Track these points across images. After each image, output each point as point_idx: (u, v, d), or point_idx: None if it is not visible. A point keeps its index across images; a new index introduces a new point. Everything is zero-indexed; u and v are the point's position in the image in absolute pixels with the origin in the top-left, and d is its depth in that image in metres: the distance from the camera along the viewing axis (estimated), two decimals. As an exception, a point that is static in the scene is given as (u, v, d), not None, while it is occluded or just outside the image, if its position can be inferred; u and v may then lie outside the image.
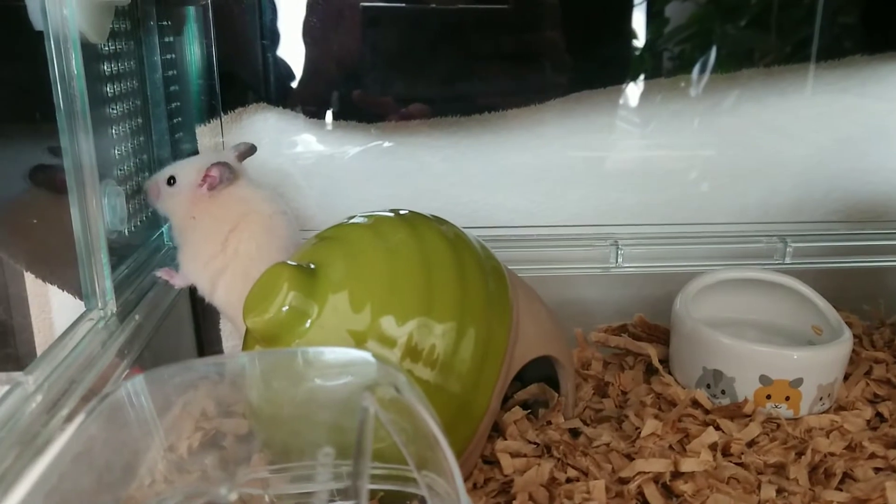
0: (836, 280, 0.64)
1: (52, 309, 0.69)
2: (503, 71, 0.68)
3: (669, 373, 0.56)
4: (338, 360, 0.35)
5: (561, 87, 0.66)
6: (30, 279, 0.65)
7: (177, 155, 0.62)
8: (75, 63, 0.40)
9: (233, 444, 0.43)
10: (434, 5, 0.65)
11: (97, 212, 0.43)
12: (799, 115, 0.70)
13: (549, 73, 0.67)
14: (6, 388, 0.35)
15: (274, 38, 0.64)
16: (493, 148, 0.68)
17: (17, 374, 0.36)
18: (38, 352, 0.68)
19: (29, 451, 0.34)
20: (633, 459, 0.45)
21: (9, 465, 0.32)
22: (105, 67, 0.50)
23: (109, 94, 0.51)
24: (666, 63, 0.68)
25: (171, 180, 0.53)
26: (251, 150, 0.57)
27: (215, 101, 0.61)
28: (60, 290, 0.67)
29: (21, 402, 0.35)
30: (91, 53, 0.47)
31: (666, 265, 0.63)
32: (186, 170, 0.53)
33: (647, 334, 0.61)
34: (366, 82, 0.67)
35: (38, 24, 0.41)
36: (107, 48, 0.50)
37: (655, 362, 0.56)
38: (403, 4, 0.65)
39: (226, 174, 0.51)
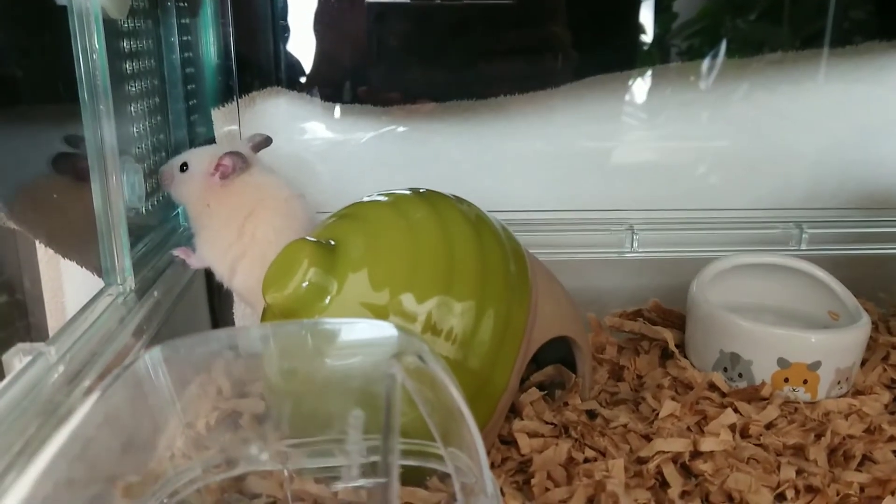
0: (851, 267, 0.64)
1: (63, 291, 0.69)
2: (516, 56, 0.67)
3: (685, 357, 0.56)
4: (360, 330, 0.35)
5: (573, 72, 0.66)
6: (42, 261, 0.65)
7: (192, 136, 0.62)
8: (97, 38, 0.40)
9: (250, 420, 0.43)
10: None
11: (118, 188, 0.43)
12: (813, 103, 0.69)
13: (561, 59, 0.67)
14: (28, 358, 0.35)
15: (288, 21, 0.64)
16: (506, 134, 0.68)
17: (39, 345, 0.36)
18: (51, 332, 0.69)
19: (51, 420, 0.34)
20: (651, 440, 0.44)
21: (32, 434, 0.32)
22: (124, 44, 0.50)
23: (128, 72, 0.51)
24: (678, 52, 0.68)
25: (184, 167, 0.52)
26: (266, 141, 0.56)
27: (232, 84, 0.61)
28: (72, 273, 0.67)
29: (43, 372, 0.35)
30: (111, 30, 0.47)
31: (681, 250, 0.63)
32: (199, 157, 0.53)
33: (663, 319, 0.61)
34: (380, 67, 0.66)
35: (59, -2, 0.41)
36: (126, 25, 0.50)
37: (672, 346, 0.55)
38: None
39: (238, 163, 0.51)
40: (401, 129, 0.68)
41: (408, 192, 0.47)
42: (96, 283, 0.65)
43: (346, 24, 0.66)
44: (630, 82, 0.68)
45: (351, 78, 0.66)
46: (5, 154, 0.43)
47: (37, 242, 0.64)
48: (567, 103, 0.67)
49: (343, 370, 0.35)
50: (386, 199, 0.46)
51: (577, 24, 0.66)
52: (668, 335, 0.56)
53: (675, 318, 0.61)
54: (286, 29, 0.64)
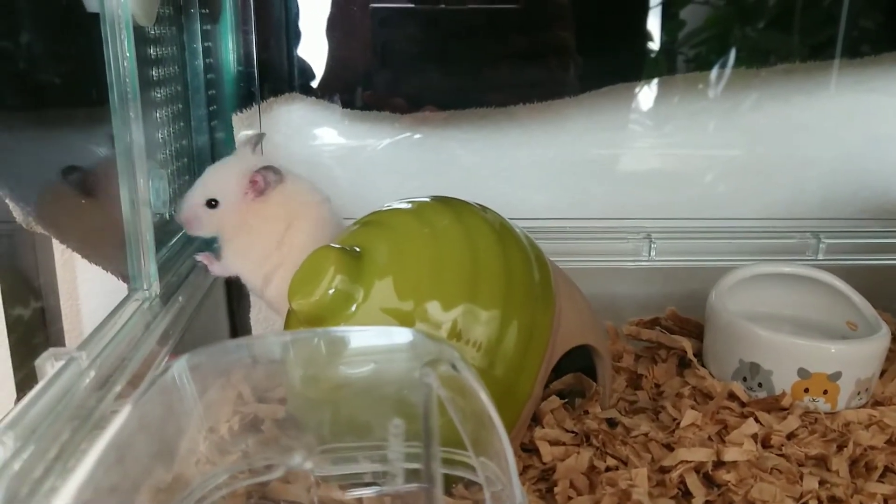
0: (867, 278, 0.64)
1: (79, 296, 0.69)
2: (529, 65, 0.68)
3: (703, 366, 0.56)
4: (390, 337, 0.35)
5: (587, 81, 0.66)
6: (59, 265, 0.65)
7: (213, 142, 0.62)
8: (127, 44, 0.41)
9: (276, 426, 0.44)
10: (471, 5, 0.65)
11: (145, 193, 0.43)
12: (824, 113, 0.69)
13: (574, 69, 0.67)
14: (61, 363, 0.35)
15: (305, 28, 0.64)
16: (521, 142, 0.68)
17: (70, 350, 0.36)
18: (67, 337, 0.69)
19: (85, 426, 0.34)
20: (673, 449, 0.45)
21: (66, 439, 0.33)
22: (151, 51, 0.50)
23: (154, 78, 0.51)
24: (690, 60, 0.68)
25: (213, 203, 0.50)
26: (260, 137, 0.55)
27: (253, 90, 0.61)
28: (87, 277, 0.68)
29: (76, 377, 0.35)
30: (139, 36, 0.47)
31: (698, 259, 0.63)
32: (224, 185, 0.50)
33: (680, 328, 0.61)
34: (396, 75, 0.67)
35: (90, 5, 0.42)
36: (153, 32, 0.50)
37: (690, 355, 0.56)
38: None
39: (271, 177, 0.50)
40: (416, 136, 0.68)
41: (431, 200, 0.47)
42: (112, 288, 0.66)
43: (360, 31, 0.66)
44: (642, 91, 0.68)
45: (367, 84, 0.67)
46: (33, 158, 0.43)
47: (54, 247, 0.64)
48: (580, 112, 0.68)
49: (376, 378, 0.35)
50: (409, 206, 0.46)
51: (591, 35, 0.66)
52: (687, 344, 0.57)
53: (693, 327, 0.61)
54: (304, 36, 0.65)
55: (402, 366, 0.34)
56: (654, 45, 0.67)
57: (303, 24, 0.64)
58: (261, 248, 0.51)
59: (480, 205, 0.48)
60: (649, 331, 0.60)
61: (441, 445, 0.38)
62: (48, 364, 0.35)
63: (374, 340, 0.37)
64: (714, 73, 0.68)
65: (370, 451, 0.37)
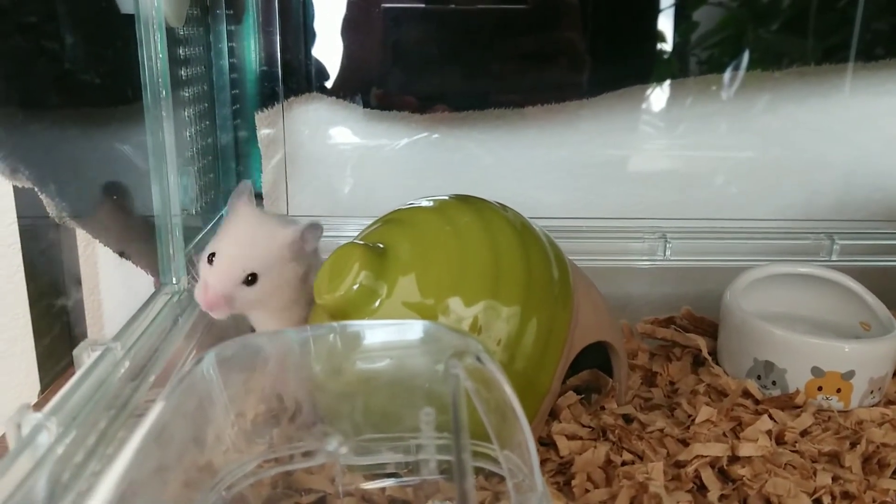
0: (881, 279, 0.65)
1: (100, 291, 0.71)
2: (546, 67, 0.69)
3: (717, 364, 0.57)
4: (412, 330, 0.36)
5: (604, 83, 0.67)
6: (82, 259, 0.67)
7: (237, 141, 0.63)
8: (160, 45, 0.42)
9: (297, 417, 0.45)
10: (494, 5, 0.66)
11: (175, 190, 0.44)
12: (840, 115, 0.70)
13: (591, 71, 0.68)
14: (97, 353, 0.37)
15: (321, 29, 0.65)
16: (537, 142, 0.69)
17: (107, 341, 0.37)
18: (89, 331, 0.71)
19: (122, 415, 0.35)
20: (688, 445, 0.45)
21: (104, 427, 0.34)
22: (180, 51, 0.51)
23: (182, 78, 0.52)
24: (703, 62, 0.69)
25: (252, 279, 0.45)
26: (250, 188, 0.49)
27: (277, 89, 0.62)
28: (109, 272, 0.69)
29: (111, 367, 0.37)
30: (169, 37, 0.48)
31: (713, 259, 0.64)
32: (266, 256, 0.46)
33: (694, 327, 0.62)
34: (415, 75, 0.68)
35: (125, 7, 0.43)
36: (182, 32, 0.51)
37: (705, 353, 0.56)
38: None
39: (317, 234, 0.47)
40: (434, 135, 0.69)
41: (453, 198, 0.48)
42: (134, 282, 0.67)
43: (375, 32, 0.67)
44: (655, 93, 0.69)
45: (383, 85, 0.68)
46: (69, 155, 0.44)
47: (77, 242, 0.66)
48: (595, 114, 0.68)
49: (400, 370, 0.36)
50: (432, 204, 0.47)
51: (606, 37, 0.67)
52: (701, 342, 0.57)
53: (707, 326, 0.62)
54: (323, 36, 0.66)
55: (427, 358, 0.35)
56: (668, 46, 0.68)
57: (319, 25, 0.66)
58: (298, 301, 0.48)
59: (501, 203, 0.49)
60: (664, 329, 0.61)
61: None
62: (85, 354, 0.36)
63: (397, 333, 0.38)
64: (727, 74, 0.69)
65: (395, 443, 0.38)
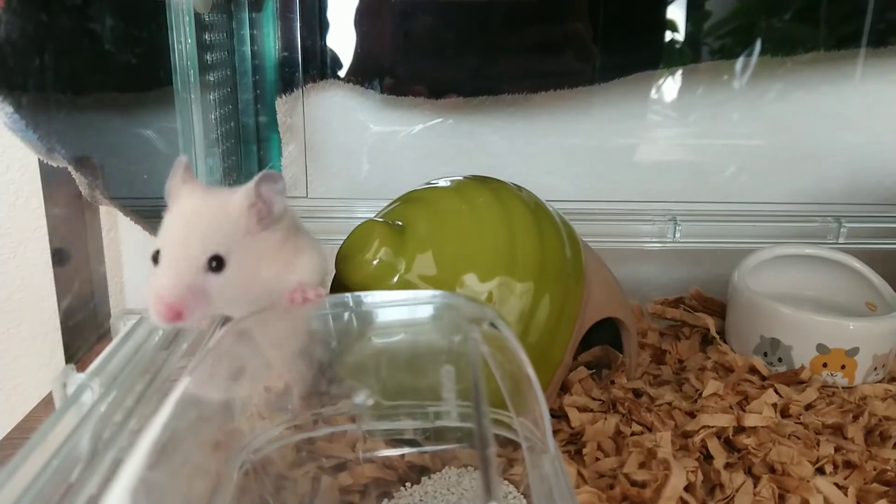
0: (888, 262, 0.66)
1: (123, 272, 0.73)
2: (558, 54, 0.70)
3: (725, 342, 0.58)
4: (434, 298, 0.38)
5: (616, 70, 0.68)
6: (106, 240, 0.69)
7: (258, 125, 0.65)
8: (189, 30, 0.44)
9: (326, 384, 0.47)
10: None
11: (202, 170, 0.46)
12: (851, 102, 0.71)
13: (602, 58, 0.69)
14: (132, 321, 0.39)
15: (335, 16, 0.67)
16: (549, 128, 0.70)
17: (142, 310, 0.39)
18: (112, 310, 0.73)
19: (157, 380, 0.37)
20: (695, 417, 0.47)
21: (141, 390, 0.36)
22: (206, 37, 0.53)
23: (208, 63, 0.54)
24: (716, 51, 0.70)
25: (217, 262, 0.34)
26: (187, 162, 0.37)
27: (296, 75, 0.64)
28: (131, 250, 0.71)
29: (146, 335, 0.39)
30: (196, 23, 0.50)
31: (722, 241, 0.65)
32: (225, 230, 0.35)
33: (703, 307, 0.63)
34: (432, 61, 0.69)
35: (155, -7, 0.45)
36: (207, 19, 0.53)
37: (713, 332, 0.58)
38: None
39: (277, 189, 0.36)
40: (449, 121, 0.71)
41: (470, 179, 0.50)
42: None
43: (387, 20, 0.68)
44: (667, 80, 0.70)
45: (396, 72, 0.69)
46: (103, 136, 0.46)
47: (101, 223, 0.68)
48: (607, 100, 0.70)
49: (418, 338, 0.38)
50: (449, 184, 0.49)
51: (618, 24, 0.68)
52: (710, 321, 0.59)
53: (716, 307, 0.63)
54: (334, 23, 0.67)
55: (444, 325, 0.37)
56: (680, 34, 0.69)
57: (333, 12, 0.67)
58: (281, 280, 0.38)
59: (516, 184, 0.51)
60: (674, 310, 0.63)
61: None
62: (121, 322, 0.38)
63: (414, 303, 0.39)
64: (739, 62, 0.70)
65: (415, 410, 0.39)
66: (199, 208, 0.35)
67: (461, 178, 0.50)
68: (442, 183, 0.50)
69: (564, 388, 0.51)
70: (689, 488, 0.41)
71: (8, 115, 0.40)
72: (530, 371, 0.35)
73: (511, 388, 0.36)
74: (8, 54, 0.41)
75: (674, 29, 0.69)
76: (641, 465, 0.42)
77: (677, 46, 0.69)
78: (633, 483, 0.41)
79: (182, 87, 0.44)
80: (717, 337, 0.58)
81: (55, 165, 0.45)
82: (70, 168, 0.45)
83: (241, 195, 0.35)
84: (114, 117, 0.49)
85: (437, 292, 0.39)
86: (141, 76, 0.49)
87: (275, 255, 0.37)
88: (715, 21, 0.69)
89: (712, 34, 0.69)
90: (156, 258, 0.34)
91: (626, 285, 0.70)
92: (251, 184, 0.35)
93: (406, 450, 0.43)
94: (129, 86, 0.50)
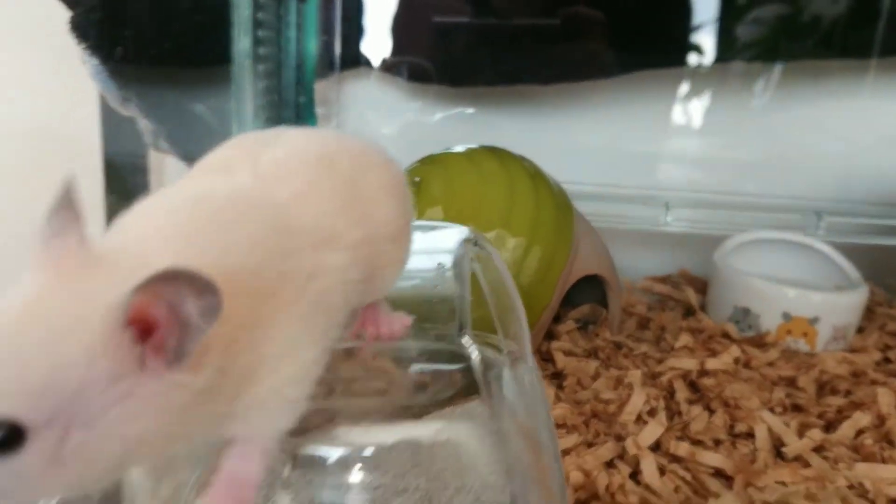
0: (864, 257, 0.71)
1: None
2: (579, 46, 0.77)
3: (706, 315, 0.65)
4: (437, 224, 0.45)
5: (632, 64, 0.75)
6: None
7: (298, 107, 0.73)
8: (248, 11, 0.52)
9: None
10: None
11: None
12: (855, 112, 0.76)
13: (620, 52, 0.76)
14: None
15: (378, 5, 0.75)
16: (566, 121, 0.77)
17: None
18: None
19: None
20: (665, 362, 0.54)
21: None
22: (258, 15, 0.61)
23: (259, 45, 0.62)
24: (737, 49, 0.76)
25: (9, 438, 0.18)
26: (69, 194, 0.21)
27: (335, 61, 0.72)
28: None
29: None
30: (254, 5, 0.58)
31: (709, 227, 0.71)
32: (30, 391, 0.18)
33: (688, 284, 0.70)
34: (458, 47, 0.77)
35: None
36: (259, 1, 0.62)
37: (694, 303, 0.64)
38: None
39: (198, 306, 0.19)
40: (470, 110, 0.79)
41: (481, 147, 0.58)
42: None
43: (420, 12, 0.76)
44: (682, 78, 0.77)
45: (428, 60, 0.77)
46: (169, 95, 0.54)
47: (149, 178, 0.76)
48: (622, 93, 0.77)
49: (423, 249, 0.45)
50: (463, 150, 0.57)
51: (637, 21, 0.75)
52: (692, 295, 0.65)
53: (700, 285, 0.70)
54: (368, 12, 0.75)
55: (446, 241, 0.44)
56: (706, 32, 0.76)
57: (371, 2, 0.75)
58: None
59: (521, 156, 0.58)
60: (661, 285, 0.69)
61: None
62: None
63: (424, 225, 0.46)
64: (757, 66, 0.76)
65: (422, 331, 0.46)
66: (36, 307, 0.19)
67: (475, 146, 0.58)
68: (457, 149, 0.57)
69: (553, 337, 0.58)
70: (651, 412, 0.47)
71: (95, 67, 0.49)
72: (513, 291, 0.42)
73: (497, 307, 0.43)
74: (99, 22, 0.49)
75: (701, 26, 0.75)
76: (611, 389, 0.49)
77: (698, 42, 0.75)
78: (601, 401, 0.47)
79: (238, 65, 0.52)
80: (698, 308, 0.64)
81: (125, 114, 0.54)
82: (139, 116, 0.54)
83: (121, 298, 0.18)
84: (173, 87, 0.57)
85: (433, 223, 0.46)
86: (201, 53, 0.57)
87: (173, 425, 0.20)
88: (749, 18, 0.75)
89: (742, 31, 0.75)
90: None
91: (620, 264, 0.77)
92: (147, 277, 0.18)
93: (414, 367, 0.50)
94: (191, 61, 0.58)
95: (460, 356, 0.35)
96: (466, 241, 0.41)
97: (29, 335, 0.18)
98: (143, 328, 0.19)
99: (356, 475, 0.35)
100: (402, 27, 0.76)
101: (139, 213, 0.23)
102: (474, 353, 0.34)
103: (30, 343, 0.18)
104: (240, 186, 0.25)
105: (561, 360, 0.55)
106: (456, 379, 0.34)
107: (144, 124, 0.53)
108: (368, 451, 0.36)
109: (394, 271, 0.31)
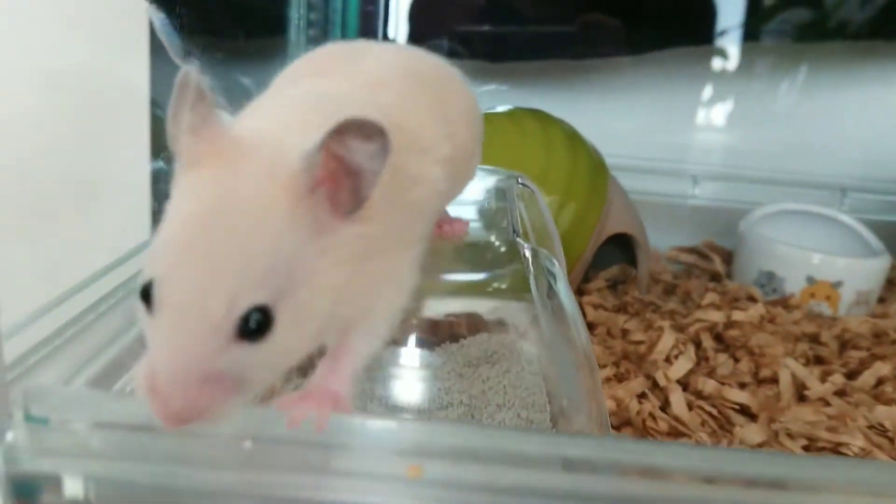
0: (888, 233, 0.73)
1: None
2: (612, 22, 0.79)
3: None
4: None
5: (665, 42, 0.78)
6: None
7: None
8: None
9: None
10: None
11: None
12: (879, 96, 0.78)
13: (651, 31, 0.79)
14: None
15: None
16: (598, 97, 0.80)
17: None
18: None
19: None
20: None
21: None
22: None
23: (310, 16, 0.65)
24: (766, 31, 0.79)
25: (255, 323, 0.20)
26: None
27: (377, 30, 0.75)
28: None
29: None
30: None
31: (735, 202, 0.74)
32: (264, 252, 0.20)
33: (714, 253, 0.72)
34: (488, 21, 0.80)
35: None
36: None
37: (720, 270, 0.66)
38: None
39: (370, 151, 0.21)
40: (504, 87, 0.81)
41: (523, 109, 0.60)
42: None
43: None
44: (721, 54, 0.79)
45: (459, 34, 0.79)
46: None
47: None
48: (649, 72, 0.79)
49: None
50: (506, 109, 0.60)
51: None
52: (718, 263, 0.67)
53: (726, 255, 0.72)
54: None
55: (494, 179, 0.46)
56: (734, 16, 0.78)
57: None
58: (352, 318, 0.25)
59: (559, 119, 0.61)
60: (687, 254, 0.71)
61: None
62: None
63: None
64: (787, 46, 0.78)
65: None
66: (227, 199, 0.21)
67: (517, 108, 0.61)
68: (500, 109, 0.60)
69: (583, 294, 0.61)
70: (679, 355, 0.49)
71: (161, 20, 0.52)
72: (551, 225, 0.45)
73: (538, 239, 0.45)
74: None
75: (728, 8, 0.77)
76: (641, 332, 0.51)
77: (725, 24, 0.78)
78: (632, 343, 0.50)
79: (294, 36, 0.55)
80: (723, 274, 0.66)
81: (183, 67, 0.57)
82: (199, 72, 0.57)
83: (300, 163, 0.21)
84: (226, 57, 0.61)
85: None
86: (260, 24, 0.60)
87: (354, 276, 0.22)
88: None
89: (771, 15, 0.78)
90: (147, 295, 0.20)
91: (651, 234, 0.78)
92: (320, 139, 0.20)
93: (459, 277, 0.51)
94: (247, 32, 0.61)
95: (515, 251, 0.37)
96: (511, 177, 0.44)
97: (237, 229, 0.20)
98: (323, 186, 0.21)
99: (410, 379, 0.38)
100: (437, 4, 0.80)
101: (257, 111, 0.25)
102: (526, 250, 0.36)
103: (242, 236, 0.20)
104: (346, 89, 0.27)
105: (591, 314, 0.57)
106: (510, 272, 0.36)
107: (203, 80, 0.56)
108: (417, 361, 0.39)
109: (464, 186, 0.34)
